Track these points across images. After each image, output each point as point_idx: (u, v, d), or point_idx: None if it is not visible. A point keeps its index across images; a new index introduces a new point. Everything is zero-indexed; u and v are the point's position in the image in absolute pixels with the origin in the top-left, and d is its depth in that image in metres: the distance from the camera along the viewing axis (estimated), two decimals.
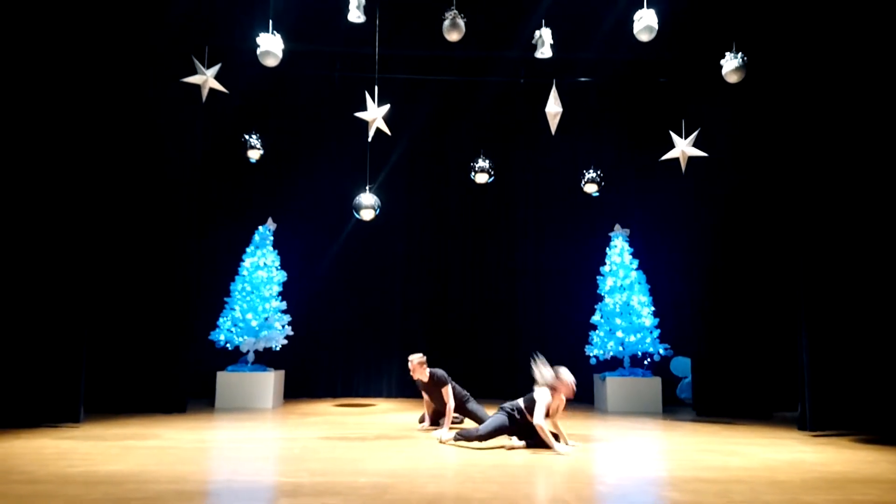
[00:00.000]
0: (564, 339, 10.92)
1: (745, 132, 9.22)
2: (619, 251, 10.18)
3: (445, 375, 7.35)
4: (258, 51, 7.12)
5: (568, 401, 6.45)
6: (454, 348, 10.88)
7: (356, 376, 11.16)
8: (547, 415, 6.21)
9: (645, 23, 6.91)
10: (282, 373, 10.04)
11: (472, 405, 7.52)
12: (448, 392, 7.25)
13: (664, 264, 10.56)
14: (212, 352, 9.80)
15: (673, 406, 10.02)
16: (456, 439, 6.39)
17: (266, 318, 9.74)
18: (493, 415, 6.51)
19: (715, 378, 9.12)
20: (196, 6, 8.56)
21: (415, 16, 8.90)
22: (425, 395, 7.54)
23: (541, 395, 6.23)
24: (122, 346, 8.60)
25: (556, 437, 6.30)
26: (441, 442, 6.51)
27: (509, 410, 6.35)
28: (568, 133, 9.17)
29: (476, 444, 6.25)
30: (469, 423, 7.47)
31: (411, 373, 7.39)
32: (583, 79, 10.19)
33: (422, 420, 7.67)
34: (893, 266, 7.52)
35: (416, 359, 7.37)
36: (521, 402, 6.41)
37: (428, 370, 7.36)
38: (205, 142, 9.32)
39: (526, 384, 10.97)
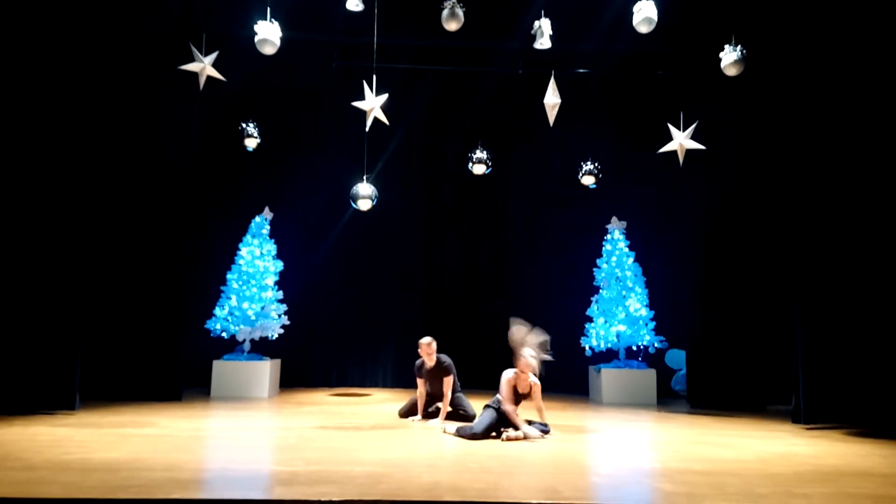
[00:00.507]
0: (560, 331, 10.88)
1: (743, 125, 9.22)
2: (615, 243, 10.19)
3: (452, 364, 7.38)
4: (256, 39, 7.08)
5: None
6: (450, 338, 10.85)
7: (352, 366, 11.16)
8: (521, 397, 6.37)
9: (644, 14, 6.89)
10: (278, 362, 10.04)
11: (460, 395, 7.56)
12: (449, 383, 7.28)
13: (660, 257, 10.58)
14: (208, 340, 9.79)
15: (667, 398, 10.06)
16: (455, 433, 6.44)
17: (262, 308, 9.73)
18: (482, 413, 6.53)
19: (709, 370, 9.16)
20: None
21: (413, 5, 8.86)
22: (420, 384, 7.51)
23: (504, 376, 6.39)
24: (117, 334, 8.59)
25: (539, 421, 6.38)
26: (445, 432, 6.53)
27: (494, 406, 6.41)
28: (566, 125, 9.15)
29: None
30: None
31: (427, 357, 7.39)
32: (581, 70, 10.16)
33: (413, 413, 7.62)
34: (888, 261, 7.55)
35: (432, 342, 7.41)
36: (499, 394, 6.46)
37: (435, 356, 7.40)
38: (201, 130, 9.29)
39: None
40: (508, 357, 11.11)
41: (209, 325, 9.57)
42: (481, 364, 10.97)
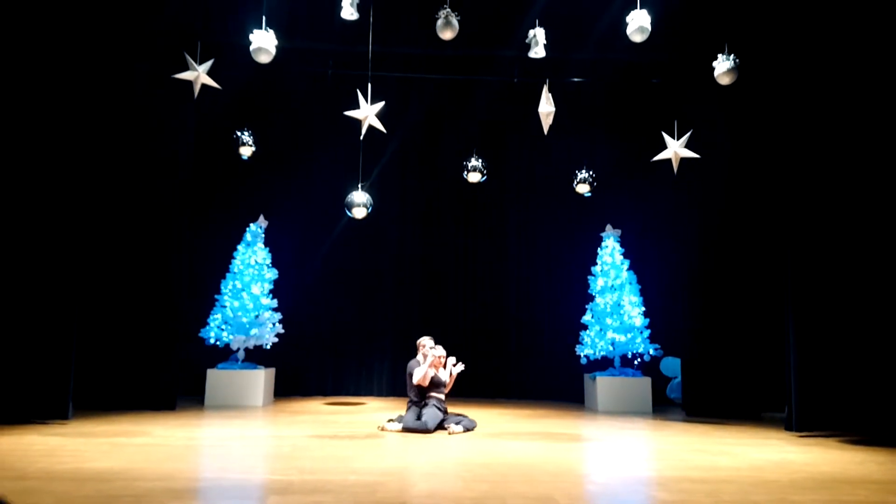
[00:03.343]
0: (555, 339, 10.97)
1: (737, 134, 9.27)
2: (610, 251, 10.21)
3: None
4: (251, 47, 7.09)
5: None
6: (446, 346, 10.85)
7: (347, 375, 11.14)
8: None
9: (638, 23, 6.93)
10: (272, 371, 10.01)
11: None
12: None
13: (655, 265, 10.61)
14: (202, 349, 9.76)
15: (662, 406, 10.06)
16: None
17: (256, 316, 9.71)
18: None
19: (704, 378, 9.16)
20: (190, 1, 8.53)
21: (408, 14, 8.89)
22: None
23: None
24: (111, 343, 8.54)
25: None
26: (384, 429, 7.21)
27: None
28: (561, 133, 9.19)
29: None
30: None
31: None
32: (576, 79, 10.20)
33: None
34: (881, 268, 7.58)
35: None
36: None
37: None
38: (197, 138, 9.28)
39: (516, 383, 11.09)
40: (500, 364, 11.20)
41: (203, 333, 9.55)
42: (475, 373, 10.97)
